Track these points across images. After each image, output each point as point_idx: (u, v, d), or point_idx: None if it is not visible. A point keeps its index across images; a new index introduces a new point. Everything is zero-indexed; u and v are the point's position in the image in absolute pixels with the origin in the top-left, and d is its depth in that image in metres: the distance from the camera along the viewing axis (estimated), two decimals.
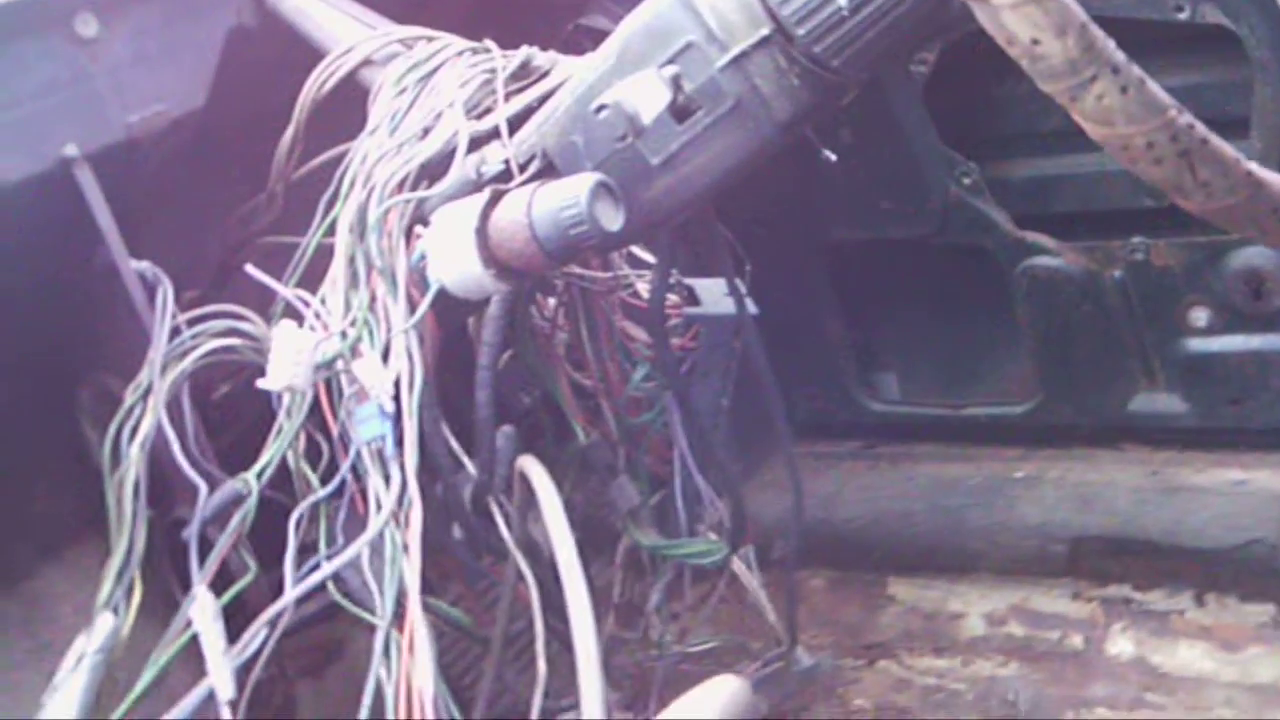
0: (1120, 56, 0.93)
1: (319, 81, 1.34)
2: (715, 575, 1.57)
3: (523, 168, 1.18)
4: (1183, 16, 1.64)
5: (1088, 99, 0.93)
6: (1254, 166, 0.97)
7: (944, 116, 1.89)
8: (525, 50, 1.29)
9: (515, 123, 1.23)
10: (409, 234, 1.20)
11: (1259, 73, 1.63)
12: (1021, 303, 1.92)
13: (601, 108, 1.11)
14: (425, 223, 1.19)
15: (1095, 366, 1.94)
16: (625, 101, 1.09)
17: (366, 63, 1.33)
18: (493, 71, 1.27)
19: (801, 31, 1.07)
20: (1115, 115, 0.93)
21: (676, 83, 1.10)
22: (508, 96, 1.25)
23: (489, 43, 1.32)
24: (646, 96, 1.09)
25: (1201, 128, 0.94)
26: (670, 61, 1.10)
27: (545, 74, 1.27)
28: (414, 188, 1.20)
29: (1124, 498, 1.89)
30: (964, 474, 2.03)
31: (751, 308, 1.42)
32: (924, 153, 1.90)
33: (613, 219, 1.10)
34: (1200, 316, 1.85)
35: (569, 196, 1.09)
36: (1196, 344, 1.87)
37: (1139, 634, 1.78)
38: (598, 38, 1.19)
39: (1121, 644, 1.77)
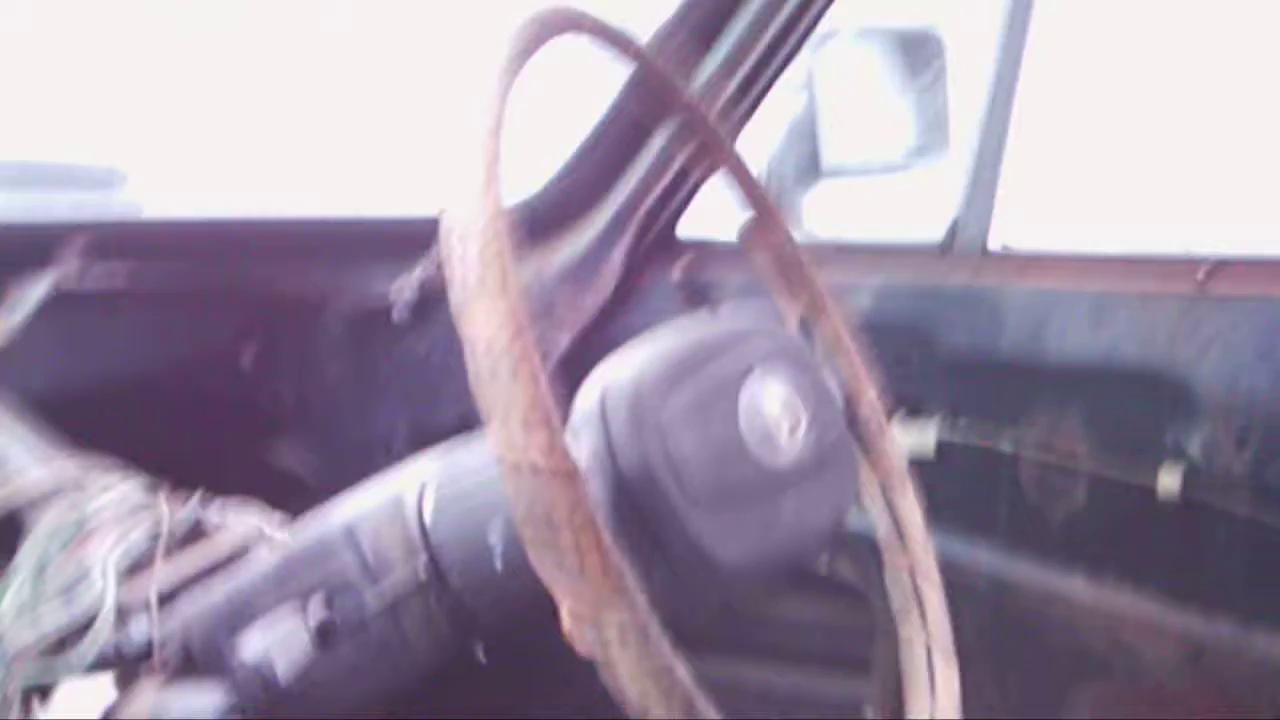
0: None
1: None
2: None
3: (163, 646, 1.14)
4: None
5: None
6: None
7: None
8: (195, 506, 1.26)
9: (171, 592, 1.19)
10: (27, 701, 1.14)
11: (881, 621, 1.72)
12: None
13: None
14: (47, 692, 1.13)
15: None
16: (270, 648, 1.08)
17: (30, 502, 1.28)
18: (158, 531, 1.23)
19: (457, 583, 1.07)
20: None
21: (323, 617, 1.08)
22: (169, 556, 1.22)
23: (163, 493, 1.28)
24: (286, 645, 1.07)
25: None
26: (322, 588, 1.09)
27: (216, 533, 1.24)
28: (46, 653, 1.15)
29: None
30: None
31: None
32: None
33: None
34: None
35: None
36: None
37: None
38: None
39: None
